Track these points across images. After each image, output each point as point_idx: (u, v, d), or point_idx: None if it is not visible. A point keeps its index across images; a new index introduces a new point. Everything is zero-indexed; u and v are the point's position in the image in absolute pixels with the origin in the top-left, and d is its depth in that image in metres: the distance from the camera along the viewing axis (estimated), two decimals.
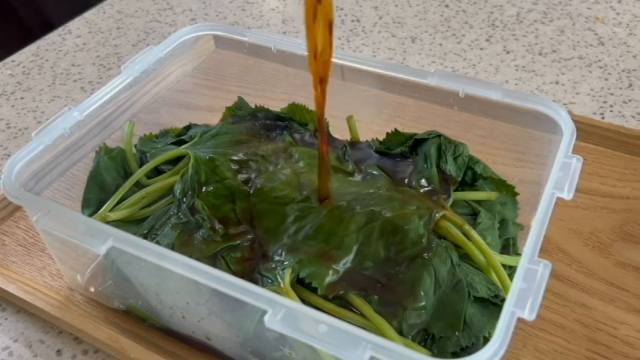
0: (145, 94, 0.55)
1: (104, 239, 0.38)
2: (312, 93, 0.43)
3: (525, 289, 0.34)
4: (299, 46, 0.54)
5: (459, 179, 0.48)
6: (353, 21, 0.84)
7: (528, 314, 0.33)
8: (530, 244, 0.36)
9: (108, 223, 0.46)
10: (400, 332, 0.38)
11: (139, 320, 0.46)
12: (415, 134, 0.51)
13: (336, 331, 0.32)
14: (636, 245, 0.50)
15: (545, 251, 0.49)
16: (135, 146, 0.54)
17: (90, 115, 0.49)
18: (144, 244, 0.37)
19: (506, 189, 0.49)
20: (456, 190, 0.48)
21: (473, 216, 0.47)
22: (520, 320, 0.33)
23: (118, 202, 0.48)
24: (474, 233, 0.43)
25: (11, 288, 0.49)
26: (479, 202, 0.48)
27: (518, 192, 0.49)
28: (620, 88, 0.69)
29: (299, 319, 0.33)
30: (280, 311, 0.33)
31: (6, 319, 0.49)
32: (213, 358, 0.44)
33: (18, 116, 0.70)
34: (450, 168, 0.48)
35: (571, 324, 0.45)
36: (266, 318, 0.33)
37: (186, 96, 0.60)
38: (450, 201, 0.46)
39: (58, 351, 0.47)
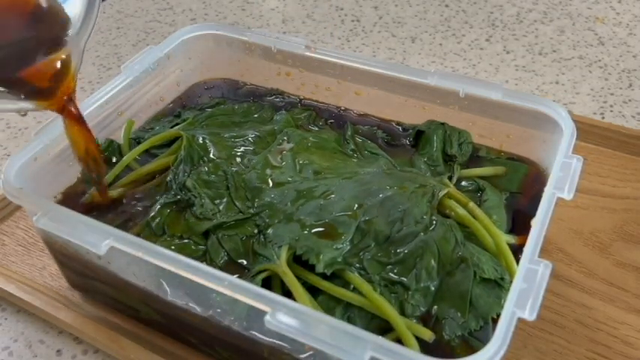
0: (145, 94, 0.55)
1: (104, 239, 0.38)
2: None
3: (525, 289, 0.34)
4: (299, 46, 0.54)
5: (464, 160, 0.49)
6: (353, 21, 0.84)
7: (529, 314, 0.33)
8: (531, 244, 0.36)
9: (97, 203, 0.47)
10: (402, 313, 0.38)
11: (139, 321, 0.46)
12: (417, 125, 0.52)
13: (337, 331, 0.32)
14: (636, 245, 0.50)
15: (545, 251, 0.49)
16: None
17: (90, 115, 0.49)
18: (144, 245, 0.37)
19: (513, 166, 0.49)
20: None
21: (479, 193, 0.46)
22: (520, 320, 0.33)
23: (111, 184, 0.49)
24: (478, 211, 0.42)
25: (11, 288, 0.49)
26: (486, 179, 0.48)
27: (527, 167, 0.49)
28: (620, 88, 0.69)
29: (299, 319, 0.33)
30: (280, 311, 0.33)
31: (6, 319, 0.49)
32: (213, 358, 0.44)
33: (18, 116, 0.70)
34: (455, 152, 0.49)
35: (571, 324, 0.45)
36: (266, 318, 0.33)
37: (187, 97, 0.60)
38: (454, 179, 0.46)
39: (58, 351, 0.47)
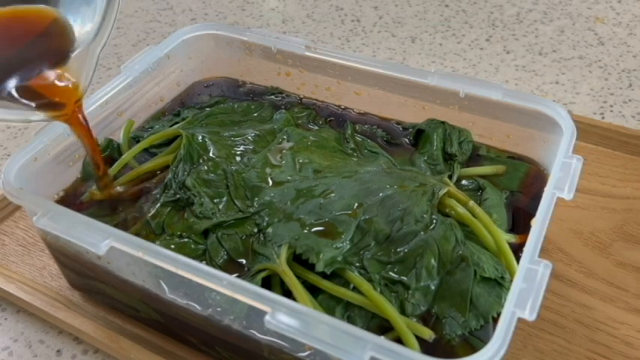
0: (145, 94, 0.55)
1: (104, 239, 0.38)
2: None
3: (525, 289, 0.34)
4: (299, 46, 0.54)
5: (465, 159, 0.49)
6: (353, 21, 0.84)
7: (529, 314, 0.33)
8: (530, 244, 0.36)
9: (96, 200, 0.47)
10: (402, 312, 0.38)
11: (139, 320, 0.46)
12: (417, 124, 0.52)
13: (337, 331, 0.32)
14: (636, 245, 0.50)
15: (545, 251, 0.49)
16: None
17: (90, 115, 0.48)
18: (143, 245, 0.37)
19: (513, 165, 0.49)
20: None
21: (479, 192, 0.47)
22: (520, 320, 0.33)
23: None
24: (479, 210, 0.42)
25: (11, 288, 0.49)
26: (486, 178, 0.48)
27: (527, 166, 0.49)
28: (620, 88, 0.69)
29: (299, 319, 0.33)
30: (280, 311, 0.33)
31: (6, 319, 0.49)
32: (213, 358, 0.44)
33: None
34: (455, 151, 0.49)
35: (571, 324, 0.45)
36: (266, 318, 0.33)
37: (186, 96, 0.60)
38: (454, 178, 0.46)
39: (58, 351, 0.47)
